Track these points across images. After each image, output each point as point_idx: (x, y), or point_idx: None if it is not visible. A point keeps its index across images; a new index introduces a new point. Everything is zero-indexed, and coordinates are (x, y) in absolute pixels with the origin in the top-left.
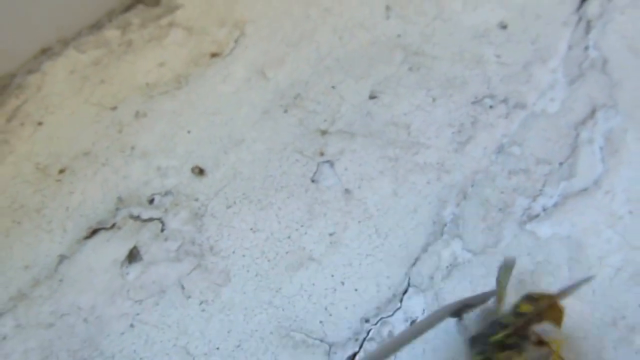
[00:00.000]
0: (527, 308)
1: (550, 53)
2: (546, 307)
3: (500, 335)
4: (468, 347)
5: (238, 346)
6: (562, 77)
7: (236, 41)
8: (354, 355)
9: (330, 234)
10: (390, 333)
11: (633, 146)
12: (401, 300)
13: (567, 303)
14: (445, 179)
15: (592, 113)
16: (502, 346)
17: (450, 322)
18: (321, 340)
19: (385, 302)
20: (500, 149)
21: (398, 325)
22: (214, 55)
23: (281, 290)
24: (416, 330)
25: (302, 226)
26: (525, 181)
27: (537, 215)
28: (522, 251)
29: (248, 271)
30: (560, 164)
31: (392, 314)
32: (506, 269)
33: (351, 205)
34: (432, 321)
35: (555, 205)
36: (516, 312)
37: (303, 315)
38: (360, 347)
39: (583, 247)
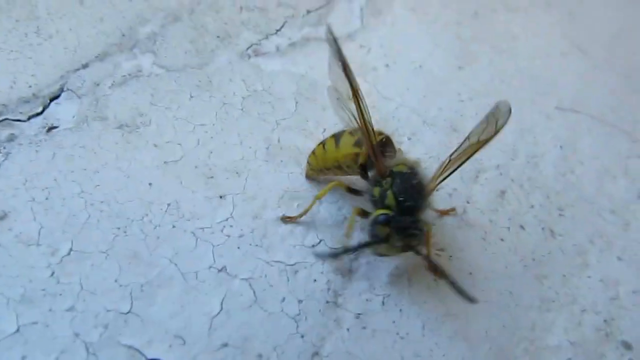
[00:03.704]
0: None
1: None
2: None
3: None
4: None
5: None
6: None
7: None
8: None
9: None
10: (11, 137)
11: (399, 11)
12: (46, 107)
13: None
14: (155, 3)
15: None
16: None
17: None
18: None
19: (18, 101)
20: None
21: (28, 134)
22: None
23: None
24: None
25: None
26: (260, 19)
27: (266, 53)
28: (236, 77)
29: None
30: (308, 11)
31: (27, 119)
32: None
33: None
34: None
35: (292, 45)
36: None
37: None
38: None
39: (318, 87)
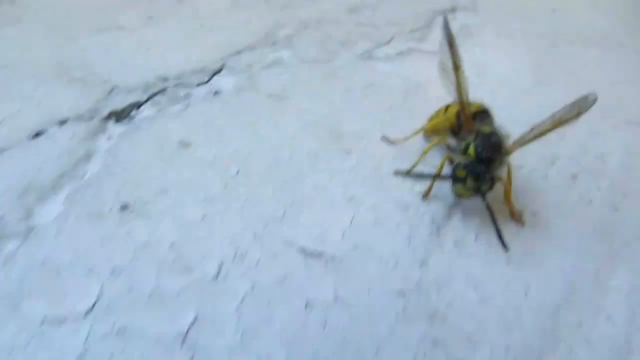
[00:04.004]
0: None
1: None
2: None
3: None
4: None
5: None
6: None
7: None
8: (139, 104)
9: (149, 17)
10: (188, 95)
11: (487, 37)
12: (210, 78)
13: None
14: (289, 14)
15: (453, 10)
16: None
17: None
18: (104, 81)
19: (191, 72)
20: (353, 10)
21: (197, 93)
22: None
23: (78, 41)
24: None
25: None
26: (373, 32)
27: (378, 58)
28: (356, 72)
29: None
30: (412, 30)
31: (197, 85)
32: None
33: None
34: None
35: (399, 54)
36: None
37: (92, 60)
38: (149, 98)
39: (422, 86)
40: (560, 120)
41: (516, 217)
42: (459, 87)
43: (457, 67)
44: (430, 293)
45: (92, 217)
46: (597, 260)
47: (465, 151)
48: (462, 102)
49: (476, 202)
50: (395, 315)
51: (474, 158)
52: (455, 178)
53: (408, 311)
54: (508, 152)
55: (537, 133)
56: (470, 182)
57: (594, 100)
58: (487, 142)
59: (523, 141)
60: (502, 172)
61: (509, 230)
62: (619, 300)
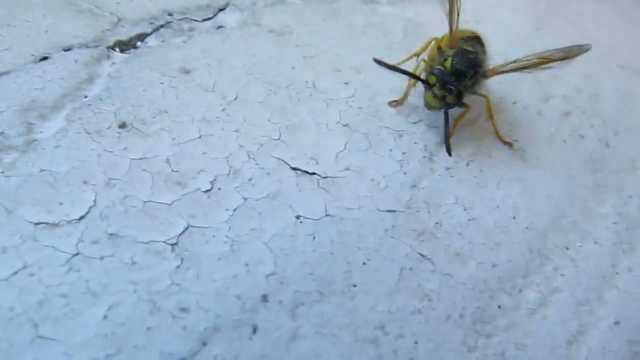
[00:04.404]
0: None
1: None
2: None
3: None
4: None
5: None
6: None
7: None
8: (144, 35)
9: None
10: (191, 28)
11: None
12: (215, 14)
13: None
14: None
15: None
16: None
17: None
18: (111, 13)
19: (196, 8)
20: None
21: (203, 28)
22: None
23: None
24: None
25: None
26: None
27: (381, 1)
28: (357, 12)
29: None
30: None
31: (202, 21)
32: None
33: None
34: None
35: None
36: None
37: None
38: (154, 31)
39: (422, 26)
40: (545, 59)
41: (502, 138)
42: (451, 7)
43: None
44: (420, 212)
45: (91, 133)
46: (586, 190)
47: (443, 62)
48: (451, 18)
49: (470, 131)
50: (384, 231)
51: (448, 69)
52: (425, 83)
53: (397, 228)
54: (486, 75)
55: (520, 65)
56: (437, 90)
57: (586, 49)
58: (464, 57)
59: (503, 69)
60: (479, 93)
61: (501, 157)
62: (606, 226)
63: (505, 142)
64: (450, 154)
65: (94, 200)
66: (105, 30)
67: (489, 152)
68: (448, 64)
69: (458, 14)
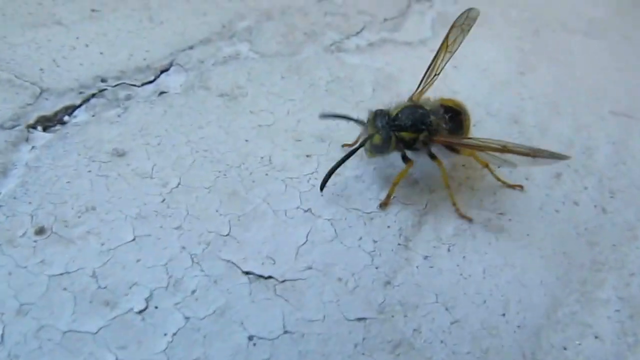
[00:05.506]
0: None
1: None
2: None
3: None
4: None
5: None
6: None
7: None
8: (72, 108)
9: (92, 11)
10: (128, 96)
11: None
12: (157, 77)
13: None
14: (251, 3)
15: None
16: None
17: None
18: (32, 84)
19: (134, 70)
20: None
21: (142, 95)
22: None
23: (5, 38)
24: None
25: None
26: (342, 22)
27: (347, 50)
28: (321, 66)
29: None
30: (385, 19)
31: (141, 85)
32: None
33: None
34: None
35: (370, 45)
36: None
37: (21, 60)
38: (85, 101)
39: (394, 79)
40: (508, 149)
41: (460, 213)
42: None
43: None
44: (395, 318)
45: (1, 244)
46: (583, 270)
47: (394, 108)
48: (423, 76)
49: (449, 208)
50: (354, 347)
51: (392, 115)
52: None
53: (369, 341)
54: (432, 139)
55: (480, 145)
56: (369, 127)
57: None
58: (411, 113)
59: (460, 142)
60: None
61: (487, 238)
62: (607, 316)
63: (464, 217)
64: (321, 190)
65: (1, 336)
66: (25, 105)
67: (472, 233)
68: (394, 110)
69: (436, 75)
